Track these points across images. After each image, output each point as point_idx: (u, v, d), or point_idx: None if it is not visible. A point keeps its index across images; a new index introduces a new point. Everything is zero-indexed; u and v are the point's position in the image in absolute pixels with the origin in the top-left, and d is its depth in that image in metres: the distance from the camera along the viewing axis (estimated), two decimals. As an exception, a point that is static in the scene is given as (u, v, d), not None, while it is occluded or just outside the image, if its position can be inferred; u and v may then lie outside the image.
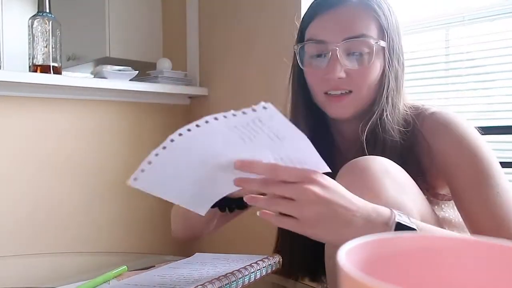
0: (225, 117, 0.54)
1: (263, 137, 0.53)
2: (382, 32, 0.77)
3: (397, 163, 0.68)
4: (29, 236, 1.72)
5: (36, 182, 1.76)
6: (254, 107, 0.52)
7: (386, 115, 0.76)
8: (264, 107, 0.53)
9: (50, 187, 1.80)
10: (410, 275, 0.30)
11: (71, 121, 1.87)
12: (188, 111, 2.31)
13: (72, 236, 1.84)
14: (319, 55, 0.78)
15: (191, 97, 2.29)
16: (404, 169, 0.70)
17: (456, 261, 0.29)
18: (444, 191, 0.78)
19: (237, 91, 2.11)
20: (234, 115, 0.54)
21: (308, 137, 0.72)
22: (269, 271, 0.65)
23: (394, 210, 0.56)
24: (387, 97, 0.78)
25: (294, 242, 0.82)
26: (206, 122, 0.55)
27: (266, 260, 0.66)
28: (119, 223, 1.99)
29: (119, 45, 2.32)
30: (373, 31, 0.76)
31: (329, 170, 0.54)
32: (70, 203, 1.85)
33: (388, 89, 0.78)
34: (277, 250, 0.87)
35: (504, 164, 1.32)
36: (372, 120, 0.76)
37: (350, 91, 0.76)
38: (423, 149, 0.76)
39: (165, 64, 2.17)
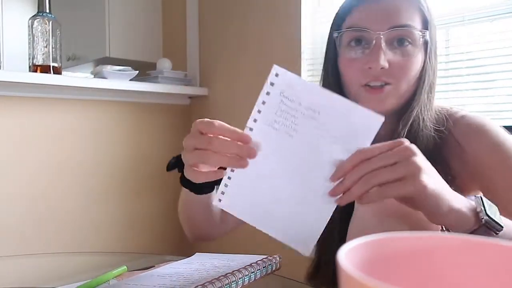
0: (259, 111, 0.53)
1: (303, 122, 0.52)
2: (426, 25, 0.74)
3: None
4: (29, 236, 1.72)
5: (35, 182, 1.76)
6: (269, 78, 0.51)
7: (424, 112, 0.74)
8: (276, 74, 0.51)
9: (50, 187, 1.80)
10: (410, 275, 0.30)
11: (71, 121, 1.87)
12: (188, 111, 2.31)
13: (72, 236, 1.84)
14: (358, 45, 0.74)
15: (191, 97, 2.29)
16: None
17: (456, 261, 0.29)
18: (472, 194, 0.77)
19: (237, 91, 2.11)
20: (263, 102, 0.52)
21: None
22: (269, 271, 0.65)
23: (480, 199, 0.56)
24: (426, 94, 0.75)
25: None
26: (250, 129, 0.54)
27: (266, 260, 0.66)
28: (119, 223, 1.99)
29: (119, 45, 2.32)
30: (417, 23, 0.73)
31: (383, 117, 0.52)
32: (69, 203, 1.85)
33: (427, 84, 0.75)
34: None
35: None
36: (410, 116, 0.74)
37: (389, 84, 0.73)
38: (455, 152, 0.74)
39: (165, 64, 2.17)
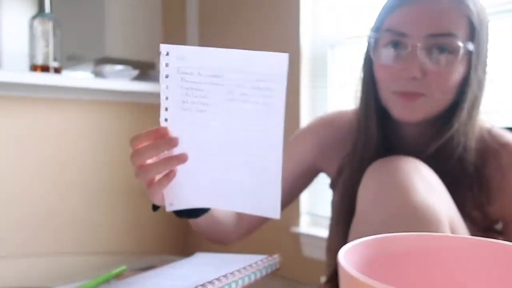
0: (166, 98, 0.56)
1: (210, 91, 0.51)
2: (473, 34, 0.68)
3: (461, 183, 0.66)
4: (29, 236, 1.72)
5: (35, 182, 1.76)
6: (161, 60, 0.54)
7: (465, 129, 0.69)
8: (167, 53, 0.53)
9: (50, 187, 1.80)
10: (410, 275, 0.30)
11: (71, 121, 1.87)
12: (188, 111, 2.31)
13: (72, 236, 1.84)
14: (395, 49, 0.69)
15: (191, 97, 2.29)
16: (462, 193, 0.68)
17: (456, 261, 0.29)
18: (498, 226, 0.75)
19: (237, 91, 2.11)
20: (166, 87, 0.55)
21: (377, 138, 0.72)
22: (269, 271, 0.65)
23: None
24: (469, 111, 0.69)
25: None
26: (165, 120, 0.57)
27: (266, 260, 0.66)
28: (119, 223, 1.99)
29: (119, 45, 2.32)
30: (462, 31, 0.67)
31: (287, 54, 0.49)
32: (69, 203, 1.85)
33: (470, 99, 0.69)
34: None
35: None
36: (449, 131, 0.69)
37: (422, 94, 0.69)
38: (495, 177, 0.71)
39: (165, 64, 2.17)
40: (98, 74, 1.94)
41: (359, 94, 0.78)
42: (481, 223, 0.72)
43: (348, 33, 1.67)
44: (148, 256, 0.75)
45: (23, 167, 1.73)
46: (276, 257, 0.67)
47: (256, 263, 0.64)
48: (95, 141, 1.95)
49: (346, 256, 0.25)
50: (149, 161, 0.57)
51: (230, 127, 0.52)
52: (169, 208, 0.59)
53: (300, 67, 1.80)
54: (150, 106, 2.13)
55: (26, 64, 1.72)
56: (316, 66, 1.80)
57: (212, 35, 2.22)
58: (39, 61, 1.67)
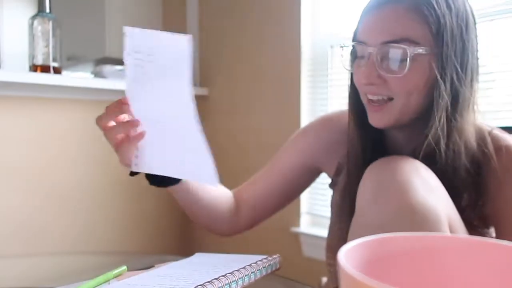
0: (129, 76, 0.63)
1: (149, 69, 0.60)
2: (435, 37, 0.68)
3: (455, 186, 0.67)
4: (29, 236, 1.72)
5: (35, 182, 1.76)
6: (125, 42, 0.61)
7: (446, 132, 0.69)
8: (128, 35, 0.60)
9: (50, 187, 1.80)
10: (410, 275, 0.30)
11: (71, 121, 1.87)
12: (188, 111, 2.31)
13: (72, 236, 1.84)
14: (361, 57, 0.73)
15: (191, 97, 2.29)
16: (457, 196, 0.68)
17: (456, 261, 0.29)
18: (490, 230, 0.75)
19: (237, 91, 2.11)
20: (130, 65, 0.62)
21: (361, 143, 0.77)
22: (269, 271, 0.65)
23: None
24: (441, 115, 0.69)
25: None
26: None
27: (266, 260, 0.66)
28: (119, 223, 1.99)
29: (119, 45, 2.31)
30: (420, 35, 0.68)
31: (189, 36, 0.56)
32: (69, 203, 1.85)
33: (443, 102, 0.68)
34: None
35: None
36: (429, 131, 0.69)
37: (391, 98, 0.70)
38: (493, 182, 0.71)
39: (165, 64, 2.17)
40: (98, 74, 1.94)
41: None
42: (475, 227, 0.72)
43: (348, 33, 1.67)
44: (148, 256, 0.75)
45: (22, 166, 1.73)
46: (276, 257, 0.67)
47: (256, 263, 0.64)
48: (95, 141, 1.95)
49: (346, 256, 0.25)
50: (110, 124, 0.68)
51: (159, 101, 0.61)
52: (134, 168, 0.70)
53: (300, 67, 1.80)
54: (150, 106, 2.13)
55: (26, 64, 1.72)
56: (316, 66, 1.80)
57: (212, 35, 2.22)
58: (39, 61, 1.67)
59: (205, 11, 2.25)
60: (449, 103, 0.69)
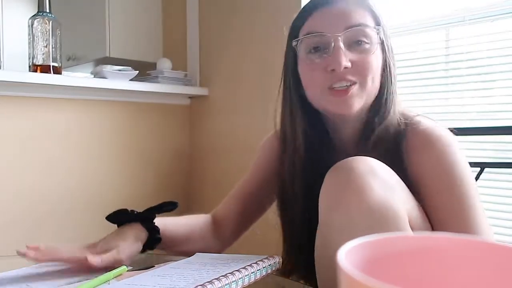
0: None
1: None
2: (379, 24, 0.76)
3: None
4: (29, 236, 1.72)
5: (35, 182, 1.76)
6: None
7: (389, 112, 0.75)
8: None
9: (49, 186, 1.80)
10: (410, 275, 0.30)
11: (71, 121, 1.87)
12: (188, 111, 2.31)
13: (71, 236, 1.84)
14: (317, 50, 0.75)
15: (191, 97, 2.29)
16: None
17: (456, 261, 0.29)
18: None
19: (237, 91, 2.11)
20: None
21: (305, 141, 0.78)
22: (269, 271, 0.65)
23: None
24: (390, 94, 0.76)
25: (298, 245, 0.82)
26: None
27: (266, 260, 0.66)
28: (119, 223, 1.99)
29: (119, 45, 2.32)
30: (370, 22, 0.75)
31: None
32: (69, 203, 1.85)
33: (391, 85, 0.77)
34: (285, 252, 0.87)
35: (504, 165, 1.32)
36: (379, 117, 0.75)
37: (355, 83, 0.73)
38: (407, 160, 0.74)
39: (165, 64, 2.17)
40: (98, 74, 1.94)
41: (281, 103, 0.84)
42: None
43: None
44: (148, 256, 0.75)
45: (22, 166, 1.73)
46: (276, 257, 0.67)
47: (256, 263, 0.64)
48: (95, 141, 1.95)
49: (346, 256, 0.25)
50: None
51: None
52: None
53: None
54: (150, 106, 2.13)
55: (26, 64, 1.72)
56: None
57: (212, 35, 2.22)
58: (39, 61, 1.67)
59: (205, 11, 2.25)
60: (393, 84, 0.77)
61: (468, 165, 0.73)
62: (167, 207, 0.82)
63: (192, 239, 0.86)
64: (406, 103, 1.69)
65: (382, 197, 0.60)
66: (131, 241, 0.76)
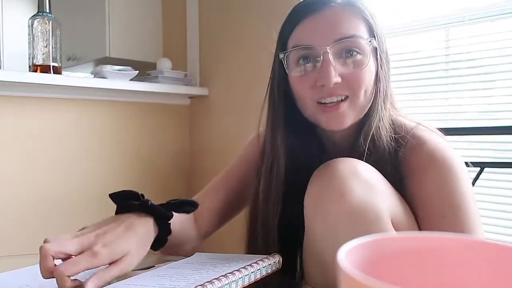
0: None
1: None
2: (372, 33, 0.71)
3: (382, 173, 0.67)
4: (28, 236, 1.72)
5: (35, 182, 1.76)
6: None
7: (382, 122, 0.72)
8: None
9: (49, 186, 1.80)
10: (410, 275, 0.30)
11: (71, 121, 1.87)
12: (188, 111, 2.31)
13: (72, 236, 1.84)
14: (306, 62, 0.71)
15: (191, 97, 2.29)
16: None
17: (456, 261, 0.29)
18: None
19: (237, 91, 2.11)
20: None
21: (290, 152, 0.76)
22: (269, 271, 0.65)
23: None
24: (383, 103, 0.73)
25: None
26: None
27: (266, 260, 0.66)
28: (119, 223, 1.99)
29: (119, 45, 2.32)
30: (363, 32, 0.70)
31: None
32: (68, 203, 1.85)
33: (383, 94, 0.73)
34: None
35: (504, 164, 1.32)
36: (371, 127, 0.72)
37: (346, 97, 0.70)
38: (410, 175, 0.72)
39: (165, 64, 2.17)
40: (98, 74, 1.94)
41: (267, 114, 0.80)
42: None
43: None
44: (148, 256, 0.75)
45: (22, 166, 1.73)
46: (276, 257, 0.67)
47: (256, 263, 0.64)
48: (95, 141, 1.95)
49: (346, 256, 0.25)
50: None
51: None
52: None
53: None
54: (150, 106, 2.13)
55: (26, 64, 1.72)
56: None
57: (212, 35, 2.22)
58: (39, 61, 1.67)
59: (205, 11, 2.25)
60: (386, 92, 0.74)
61: (471, 185, 0.71)
62: (187, 208, 0.71)
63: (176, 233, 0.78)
64: (406, 103, 1.69)
65: (362, 198, 0.60)
66: (143, 243, 0.63)
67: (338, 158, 0.65)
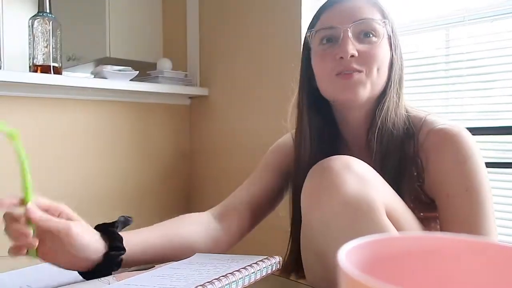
0: None
1: None
2: (387, 23, 0.81)
3: (395, 161, 0.72)
4: (29, 236, 1.72)
5: (35, 182, 1.76)
6: None
7: (395, 106, 0.79)
8: None
9: (49, 186, 1.80)
10: (410, 275, 0.30)
11: (71, 121, 1.87)
12: (188, 111, 2.31)
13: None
14: (328, 41, 0.80)
15: (191, 97, 2.29)
16: (399, 171, 0.74)
17: (457, 261, 0.29)
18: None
19: (237, 91, 2.11)
20: None
21: (312, 130, 0.82)
22: (269, 271, 0.65)
23: None
24: (397, 88, 0.80)
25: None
26: None
27: (266, 260, 0.66)
28: (119, 223, 1.99)
29: (119, 45, 2.32)
30: (377, 17, 0.80)
31: None
32: (68, 203, 1.85)
33: (396, 78, 0.80)
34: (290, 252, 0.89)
35: (504, 165, 1.32)
36: (383, 106, 0.78)
37: (361, 71, 0.77)
38: (421, 160, 0.77)
39: (165, 64, 2.17)
40: (98, 74, 1.94)
41: (296, 107, 0.88)
42: (421, 204, 0.77)
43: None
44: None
45: (23, 167, 1.73)
46: (276, 258, 0.67)
47: (256, 263, 0.64)
48: (95, 141, 1.95)
49: (346, 256, 0.25)
50: None
51: None
52: None
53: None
54: (150, 106, 2.13)
55: (26, 64, 1.72)
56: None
57: (212, 35, 2.22)
58: (39, 61, 1.67)
59: (205, 11, 2.25)
60: (399, 78, 0.81)
61: (484, 166, 0.75)
62: (123, 223, 0.79)
63: (187, 243, 0.80)
64: (406, 103, 1.69)
65: (355, 190, 0.62)
66: (91, 231, 0.73)
67: (332, 156, 0.68)
